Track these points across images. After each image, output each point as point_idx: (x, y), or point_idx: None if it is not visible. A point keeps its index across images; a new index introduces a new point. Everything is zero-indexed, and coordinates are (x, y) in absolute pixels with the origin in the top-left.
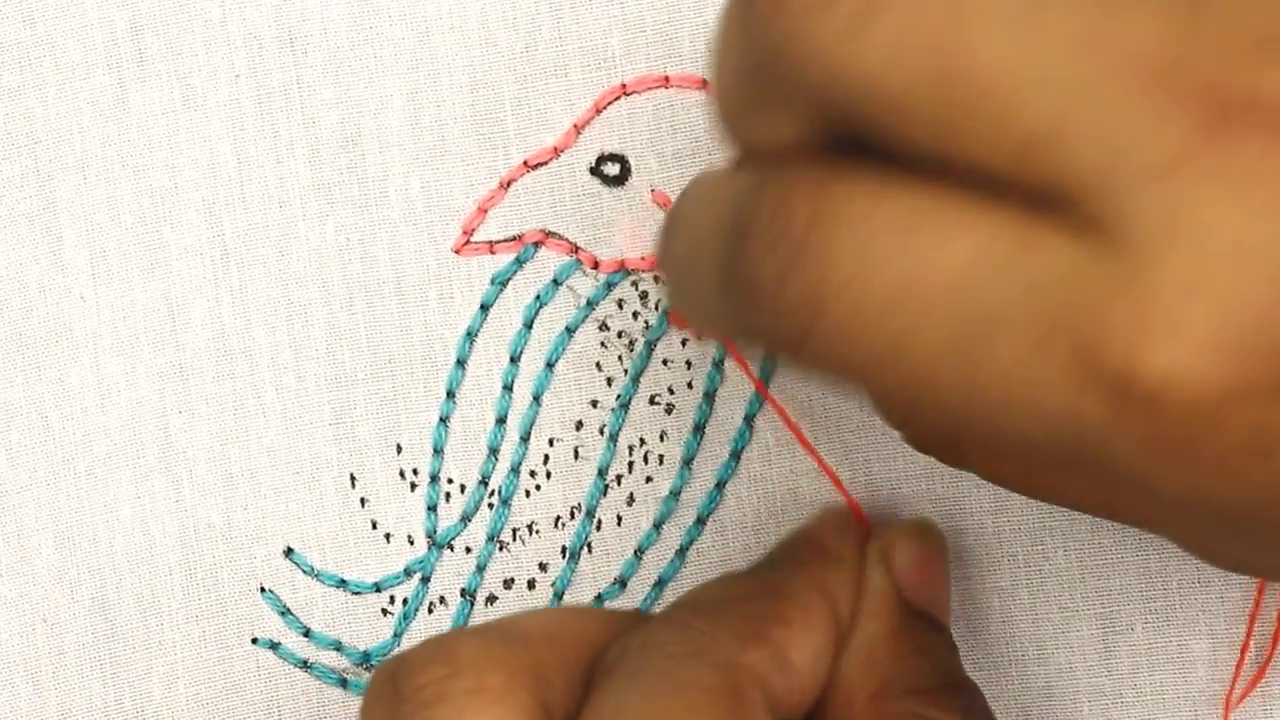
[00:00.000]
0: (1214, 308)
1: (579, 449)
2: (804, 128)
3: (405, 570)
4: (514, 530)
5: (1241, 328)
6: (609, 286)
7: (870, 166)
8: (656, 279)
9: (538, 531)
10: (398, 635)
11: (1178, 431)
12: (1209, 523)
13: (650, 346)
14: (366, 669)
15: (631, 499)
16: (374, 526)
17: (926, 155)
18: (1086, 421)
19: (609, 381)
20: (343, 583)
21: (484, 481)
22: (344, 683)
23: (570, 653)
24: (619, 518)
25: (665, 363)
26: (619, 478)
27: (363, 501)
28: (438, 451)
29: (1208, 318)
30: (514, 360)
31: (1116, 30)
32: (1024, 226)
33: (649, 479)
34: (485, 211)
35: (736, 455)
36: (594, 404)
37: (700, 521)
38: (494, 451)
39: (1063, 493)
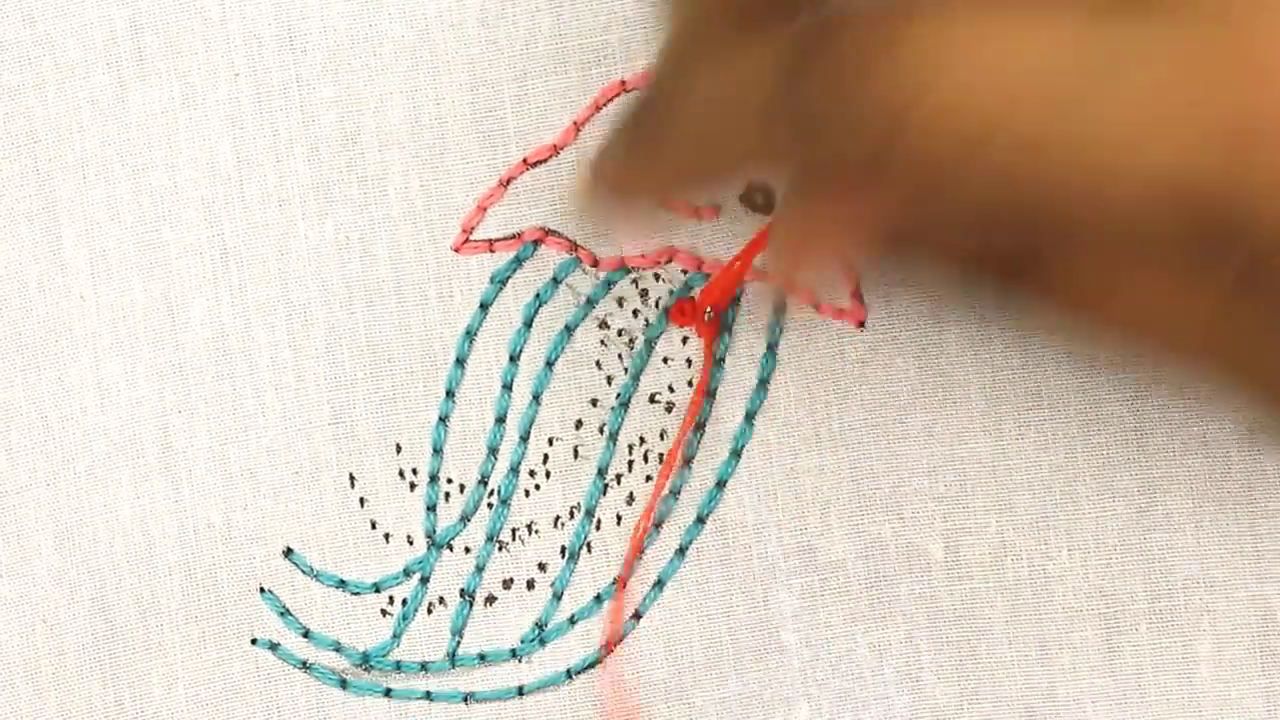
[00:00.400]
0: None
1: (579, 448)
2: None
3: (404, 570)
4: (513, 530)
5: None
6: (609, 284)
7: None
8: (657, 277)
9: (537, 531)
10: (397, 636)
11: None
12: None
13: (650, 344)
14: (366, 670)
15: (631, 498)
16: (373, 526)
17: None
18: (1208, 169)
19: (609, 380)
20: (342, 583)
21: (483, 481)
22: (343, 683)
23: None
24: (618, 517)
25: (665, 360)
26: (619, 477)
27: (362, 501)
28: (437, 451)
29: None
30: (513, 359)
31: None
32: (1132, 13)
33: (649, 478)
34: (485, 209)
35: (737, 454)
36: (594, 403)
37: (700, 520)
38: (493, 451)
39: (1134, 303)
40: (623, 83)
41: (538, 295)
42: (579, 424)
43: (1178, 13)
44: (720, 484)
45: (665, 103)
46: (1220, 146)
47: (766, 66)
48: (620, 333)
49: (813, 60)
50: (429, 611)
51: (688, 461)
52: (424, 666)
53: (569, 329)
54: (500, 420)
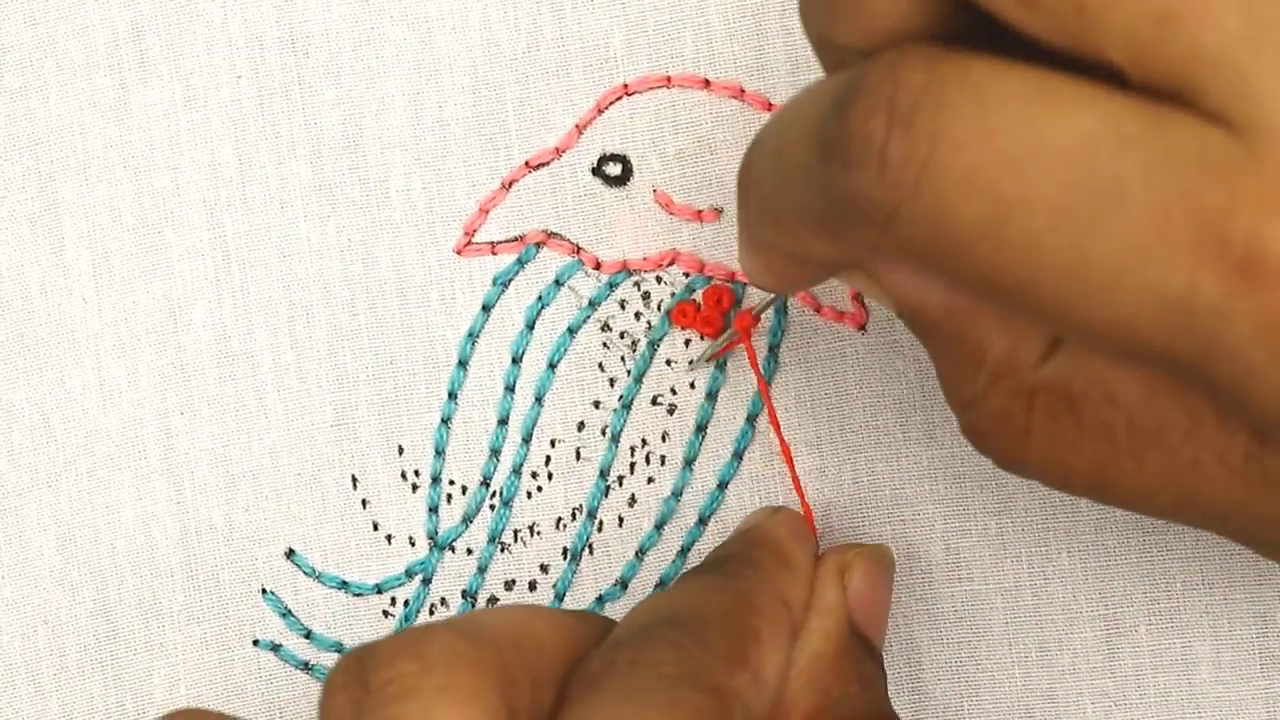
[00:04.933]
0: None
1: (581, 450)
2: (911, 4)
3: (406, 571)
4: (515, 531)
5: None
6: (611, 287)
7: (984, 52)
8: (659, 279)
9: (539, 533)
10: None
11: None
12: None
13: (653, 347)
14: None
15: (633, 500)
16: (375, 528)
17: (1051, 38)
18: (1201, 303)
19: (611, 382)
20: (344, 584)
21: (485, 483)
22: None
23: (535, 654)
24: (620, 518)
25: (668, 363)
26: (621, 478)
27: (364, 503)
28: (439, 453)
29: None
30: (516, 361)
31: None
32: (1150, 107)
33: (651, 480)
34: (487, 212)
35: (739, 455)
36: (596, 405)
37: (702, 522)
38: (495, 452)
39: (1137, 476)
40: (625, 86)
41: (540, 297)
42: (581, 426)
43: (1212, 116)
44: (722, 485)
45: (759, 136)
46: (1219, 278)
47: (811, 120)
48: (623, 335)
49: (850, 102)
50: (431, 613)
51: (688, 463)
52: None
53: (571, 331)
54: (502, 422)
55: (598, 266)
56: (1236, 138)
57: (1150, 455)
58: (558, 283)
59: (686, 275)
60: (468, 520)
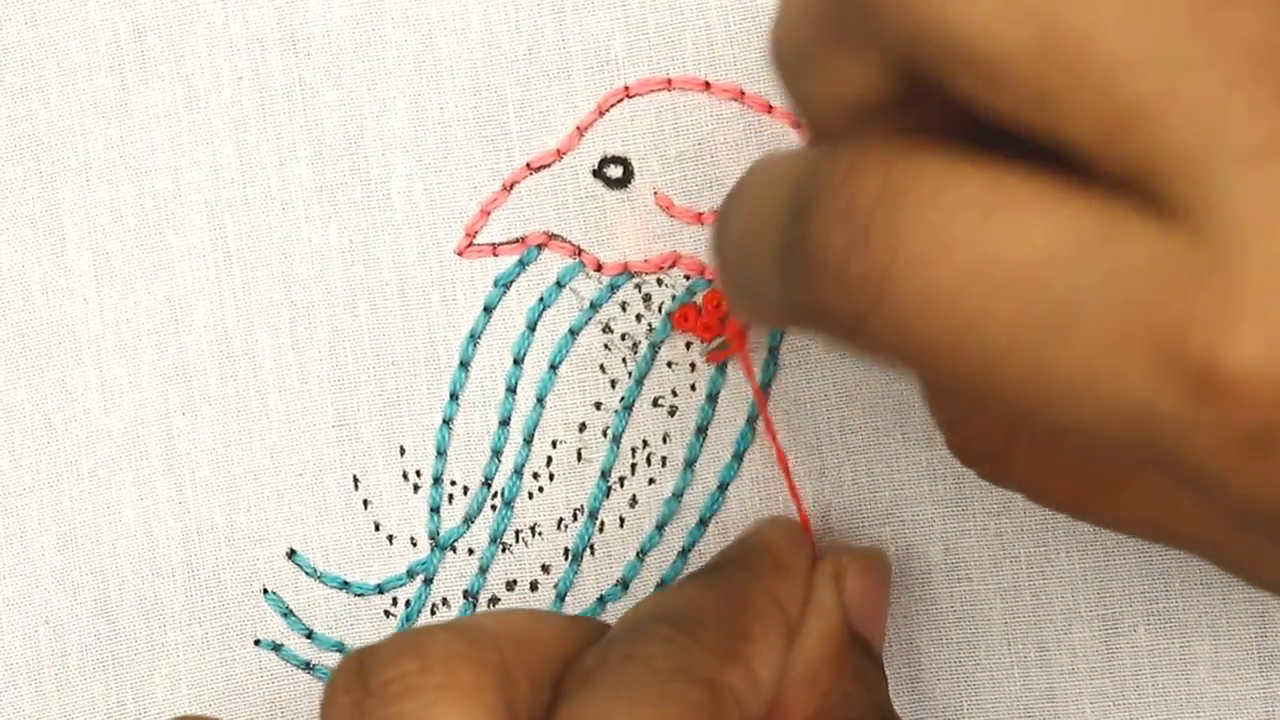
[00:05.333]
0: None
1: (582, 451)
2: (875, 79)
3: (408, 572)
4: (516, 532)
5: None
6: (612, 289)
7: (942, 143)
8: (660, 282)
9: (540, 533)
10: None
11: (1256, 427)
12: (1268, 534)
13: (654, 349)
14: None
15: (634, 501)
16: (377, 528)
17: (1013, 124)
18: (1162, 415)
19: (612, 384)
20: (345, 584)
21: (487, 483)
22: None
23: (534, 655)
24: (621, 519)
25: (669, 365)
26: (622, 479)
27: (366, 503)
28: (441, 453)
29: None
30: (517, 362)
31: (1228, 13)
32: (1107, 211)
33: (652, 481)
34: (488, 214)
35: (739, 457)
36: (597, 406)
37: (703, 523)
38: (497, 453)
39: (1115, 509)
40: (626, 88)
41: (541, 299)
42: (582, 427)
43: (1172, 216)
44: (722, 487)
45: (729, 199)
46: (1178, 391)
47: (772, 222)
48: (624, 337)
49: (809, 208)
50: (432, 613)
51: (689, 464)
52: None
53: (573, 332)
54: (504, 423)
55: (599, 268)
56: (1196, 243)
57: (1128, 491)
58: (559, 284)
59: (688, 278)
60: (469, 521)
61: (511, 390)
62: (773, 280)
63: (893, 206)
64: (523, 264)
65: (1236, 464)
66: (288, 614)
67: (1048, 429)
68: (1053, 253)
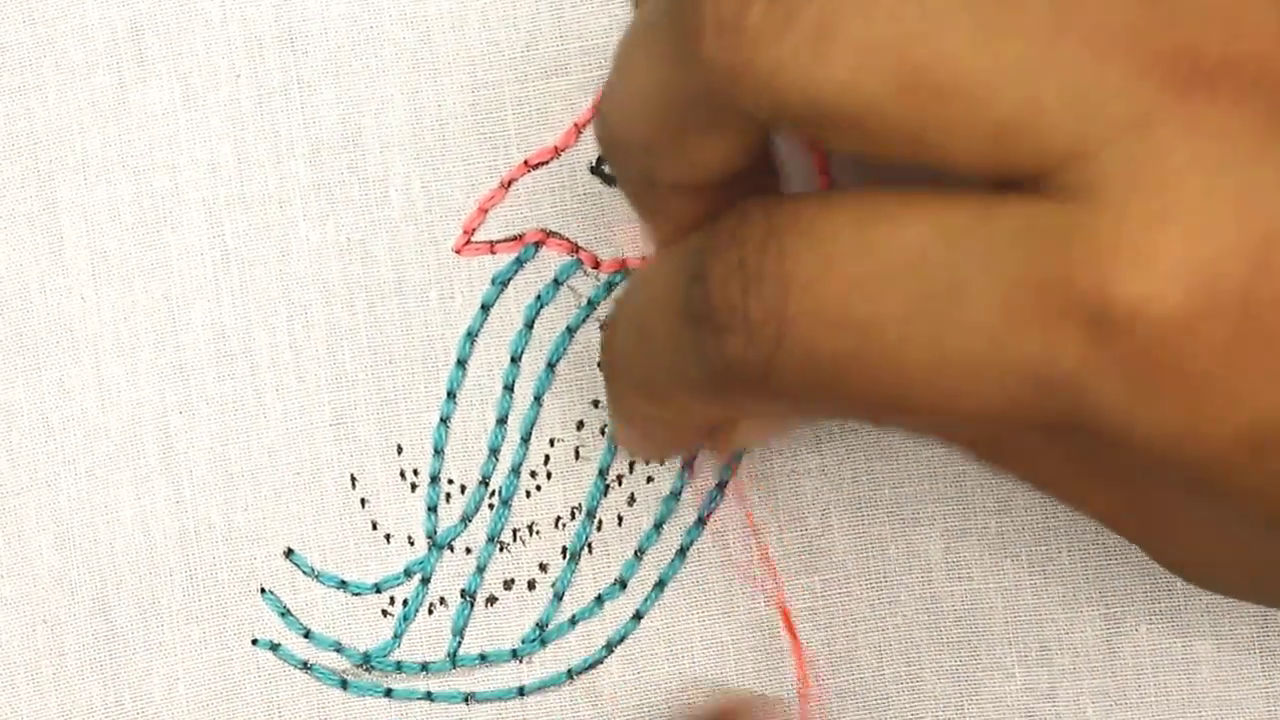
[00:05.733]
0: (1182, 233)
1: (580, 449)
2: (736, 152)
3: (405, 571)
4: (514, 531)
5: (1209, 254)
6: (610, 286)
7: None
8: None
9: (538, 532)
10: (398, 636)
11: (1153, 355)
12: (1181, 487)
13: None
14: (367, 670)
15: (632, 499)
16: (374, 527)
17: (896, 161)
18: (1066, 368)
19: None
20: (343, 584)
21: (484, 482)
22: (344, 684)
23: None
24: (620, 518)
25: None
26: (620, 478)
27: (363, 502)
28: (438, 452)
29: (1176, 242)
30: (515, 360)
31: (1087, 8)
32: (977, 198)
33: (649, 479)
34: (486, 211)
35: (738, 455)
36: (595, 404)
37: (701, 522)
38: (494, 452)
39: (1044, 472)
40: None
41: (539, 297)
42: (580, 425)
43: (1047, 192)
44: (721, 485)
45: (612, 322)
46: (1077, 338)
47: (670, 295)
48: None
49: (705, 273)
50: (430, 612)
51: (687, 463)
52: (425, 667)
53: (570, 330)
54: (501, 421)
55: (596, 265)
56: (1071, 207)
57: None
58: (557, 282)
59: None
60: (466, 519)
61: (509, 388)
62: (682, 350)
63: (779, 243)
64: (520, 261)
65: (1140, 398)
66: (285, 613)
67: (965, 421)
68: (929, 242)
